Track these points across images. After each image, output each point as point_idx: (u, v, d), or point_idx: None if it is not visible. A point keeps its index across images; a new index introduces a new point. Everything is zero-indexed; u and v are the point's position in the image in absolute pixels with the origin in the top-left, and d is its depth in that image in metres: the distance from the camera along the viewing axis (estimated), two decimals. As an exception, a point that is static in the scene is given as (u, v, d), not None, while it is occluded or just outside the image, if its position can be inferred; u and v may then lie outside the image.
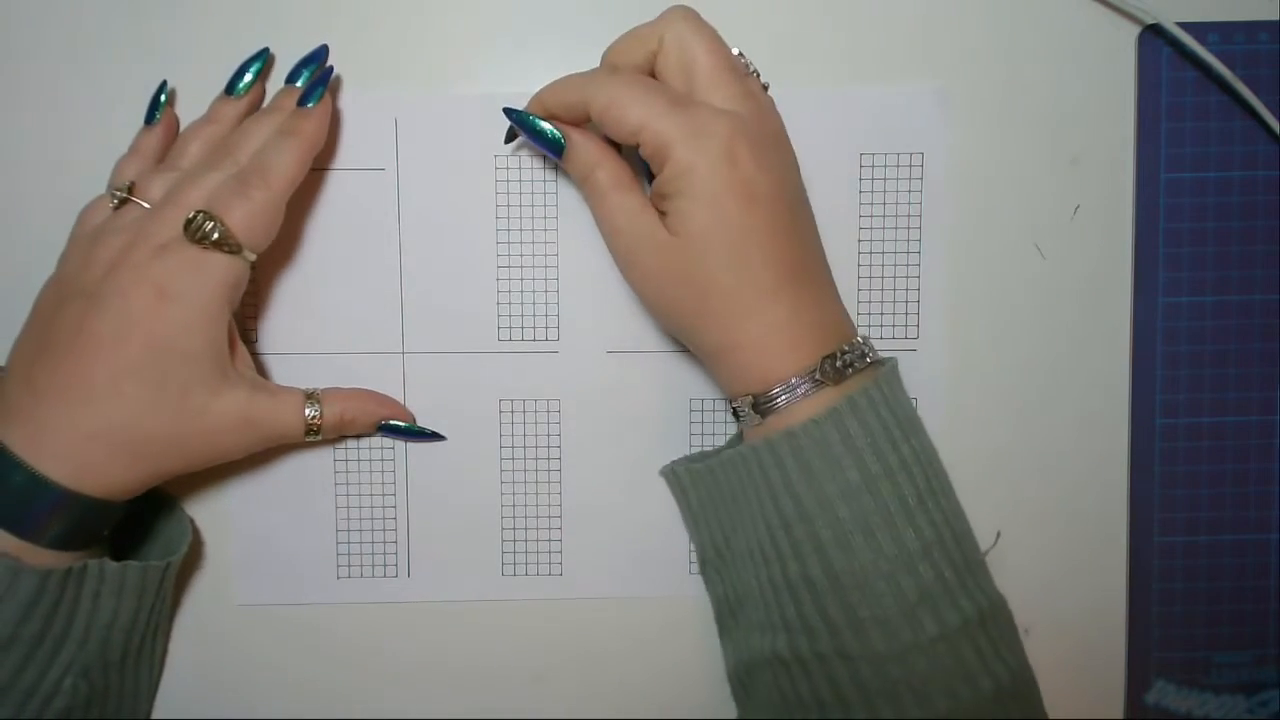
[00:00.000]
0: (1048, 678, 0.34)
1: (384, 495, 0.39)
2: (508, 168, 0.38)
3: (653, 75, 0.34)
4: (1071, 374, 0.39)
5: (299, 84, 0.36)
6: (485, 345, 0.39)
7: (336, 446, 0.39)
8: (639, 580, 0.40)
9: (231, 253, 0.33)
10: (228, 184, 0.34)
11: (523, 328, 0.39)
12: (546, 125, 0.34)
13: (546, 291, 0.39)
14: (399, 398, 0.39)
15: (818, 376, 0.32)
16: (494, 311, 0.39)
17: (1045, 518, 0.40)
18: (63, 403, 0.32)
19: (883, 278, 0.39)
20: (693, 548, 0.39)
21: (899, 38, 0.38)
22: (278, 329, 0.39)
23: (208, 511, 0.39)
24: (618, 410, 0.39)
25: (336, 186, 0.38)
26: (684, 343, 0.36)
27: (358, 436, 0.39)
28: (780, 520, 0.32)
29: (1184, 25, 0.37)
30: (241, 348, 0.36)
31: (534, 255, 0.39)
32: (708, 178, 0.31)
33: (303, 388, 0.37)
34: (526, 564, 0.40)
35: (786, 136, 0.34)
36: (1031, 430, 0.39)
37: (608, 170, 0.34)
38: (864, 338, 0.33)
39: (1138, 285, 0.39)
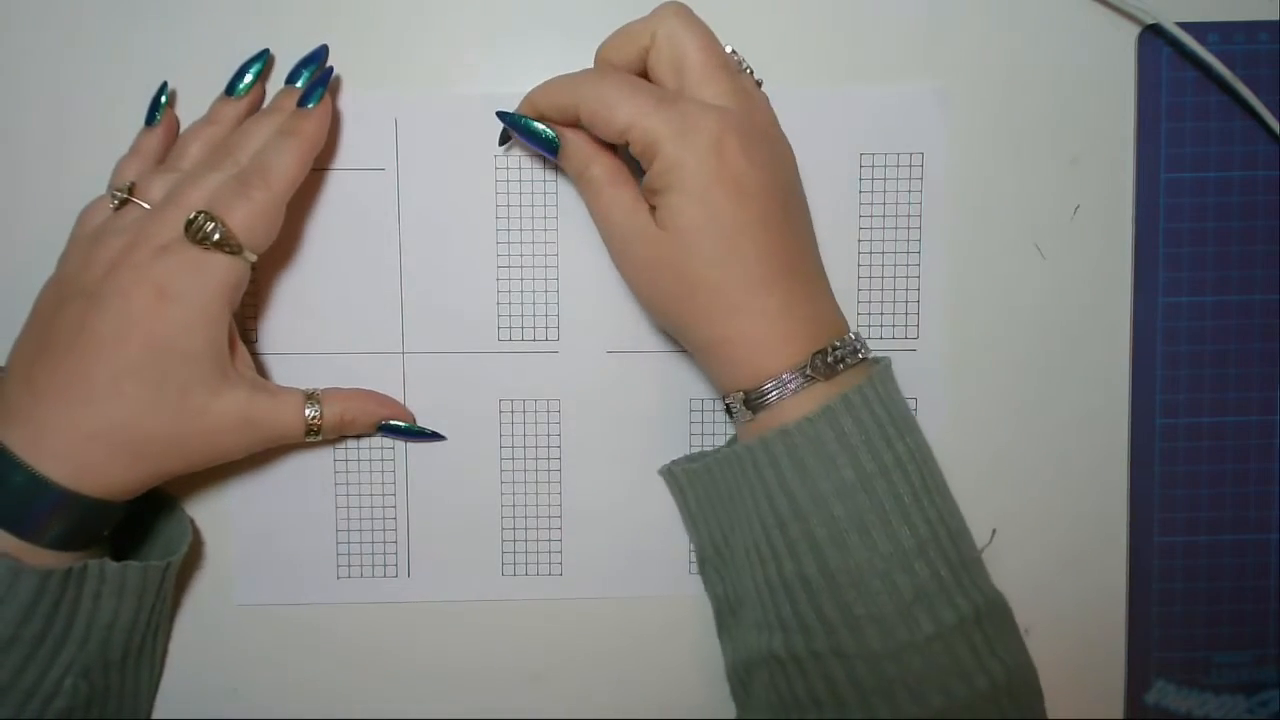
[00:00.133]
0: (1048, 678, 0.34)
1: (384, 495, 0.39)
2: (508, 168, 0.38)
3: (645, 71, 0.34)
4: (1071, 374, 0.39)
5: (299, 84, 0.36)
6: (485, 345, 0.39)
7: (336, 446, 0.39)
8: (638, 580, 0.40)
9: (232, 253, 0.33)
10: (228, 184, 0.34)
11: (523, 328, 0.39)
12: (540, 125, 0.35)
13: (546, 291, 0.39)
14: (399, 398, 0.39)
15: (809, 372, 0.32)
16: (494, 311, 0.39)
17: (1045, 518, 0.40)
18: (63, 403, 0.32)
19: (883, 278, 0.39)
20: (692, 547, 0.39)
21: (899, 38, 0.38)
22: (278, 329, 0.39)
23: (208, 511, 0.39)
24: (618, 410, 0.39)
25: (336, 186, 0.38)
26: (677, 338, 0.36)
27: (358, 436, 0.39)
28: (776, 519, 0.32)
29: (1184, 25, 0.37)
30: (241, 348, 0.36)
31: (534, 255, 0.39)
32: (696, 173, 0.31)
33: (303, 388, 0.37)
34: (526, 564, 0.40)
35: (780, 132, 0.35)
36: (1031, 430, 0.39)
37: (602, 166, 0.34)
38: (856, 334, 0.34)
39: (1138, 285, 0.39)
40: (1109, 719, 0.40)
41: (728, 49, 0.35)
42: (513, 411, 0.39)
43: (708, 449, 0.39)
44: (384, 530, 0.39)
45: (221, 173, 0.34)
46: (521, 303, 0.39)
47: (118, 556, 0.35)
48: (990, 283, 0.39)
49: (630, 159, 0.34)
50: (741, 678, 0.36)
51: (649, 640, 0.40)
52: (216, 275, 0.33)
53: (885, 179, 0.39)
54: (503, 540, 0.40)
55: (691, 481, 0.37)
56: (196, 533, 0.38)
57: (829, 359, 0.32)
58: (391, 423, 0.38)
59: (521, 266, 0.39)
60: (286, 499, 0.39)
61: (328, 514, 0.39)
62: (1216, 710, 0.40)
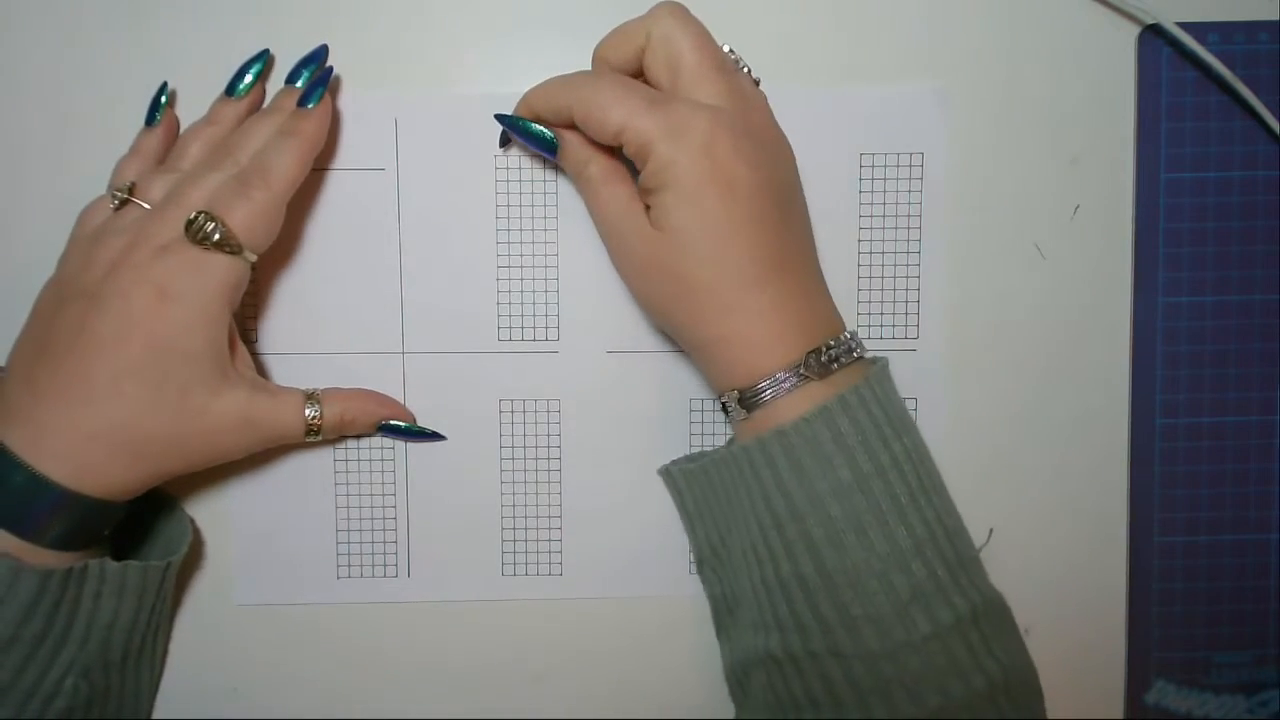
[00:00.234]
0: (1048, 678, 0.34)
1: (384, 495, 0.39)
2: (508, 168, 0.38)
3: (641, 71, 0.34)
4: (1071, 374, 0.39)
5: (299, 84, 0.36)
6: (485, 345, 0.39)
7: (336, 446, 0.39)
8: (638, 580, 0.40)
9: (232, 253, 0.33)
10: (228, 185, 0.34)
11: (523, 328, 0.39)
12: (538, 126, 0.35)
13: (546, 291, 0.39)
14: (399, 398, 0.39)
15: (803, 371, 0.32)
16: (494, 311, 0.39)
17: (1045, 518, 0.40)
18: (63, 403, 0.32)
19: (883, 278, 0.39)
20: (691, 547, 0.39)
21: (899, 38, 0.38)
22: (278, 329, 0.39)
23: (208, 511, 0.39)
24: (618, 410, 0.39)
25: (336, 186, 0.38)
26: (673, 337, 0.36)
27: (358, 436, 0.39)
28: (772, 519, 0.32)
29: (1184, 25, 0.37)
30: (241, 348, 0.36)
31: (534, 255, 0.39)
32: (687, 172, 0.31)
33: (303, 388, 0.37)
34: (526, 564, 0.40)
35: (776, 131, 0.35)
36: (1031, 430, 0.39)
37: (599, 164, 0.35)
38: (852, 333, 0.34)
39: (1138, 285, 0.39)
40: (1109, 719, 0.40)
41: (725, 48, 0.35)
42: (513, 411, 0.39)
43: (707, 449, 0.39)
44: (384, 530, 0.39)
45: (221, 173, 0.34)
46: (521, 303, 0.39)
47: (118, 556, 0.35)
48: (990, 283, 0.39)
49: (628, 159, 0.34)
50: (739, 678, 0.36)
51: (649, 640, 0.40)
52: (217, 275, 0.33)
53: (885, 179, 0.39)
54: (503, 540, 0.40)
55: (689, 482, 0.37)
56: (196, 533, 0.38)
57: (823, 358, 0.32)
58: (391, 423, 0.38)
59: (521, 266, 0.39)
60: (286, 499, 0.39)
61: (328, 514, 0.39)
62: (1216, 710, 0.40)
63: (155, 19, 0.38)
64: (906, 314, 0.39)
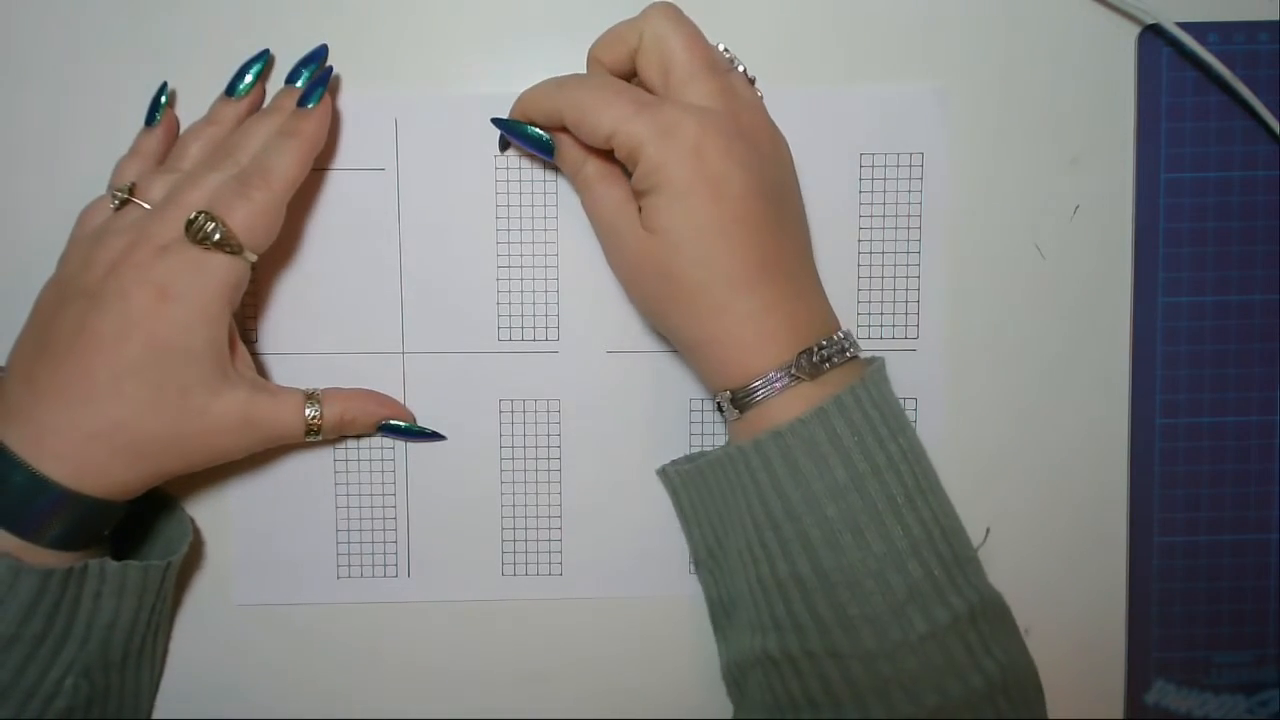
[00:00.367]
0: (1047, 678, 0.34)
1: (384, 495, 0.39)
2: (508, 168, 0.38)
3: (634, 71, 0.34)
4: (1071, 374, 0.39)
5: (299, 84, 0.36)
6: (485, 345, 0.39)
7: (336, 446, 0.39)
8: (638, 580, 0.40)
9: (233, 253, 0.33)
10: (229, 185, 0.34)
11: (523, 328, 0.39)
12: (534, 129, 0.35)
13: (546, 291, 0.39)
14: (399, 398, 0.39)
15: (794, 371, 0.32)
16: (494, 311, 0.39)
17: (1046, 518, 0.40)
18: (63, 402, 0.32)
19: (883, 278, 0.39)
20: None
21: (899, 38, 0.38)
22: (278, 329, 0.39)
23: (208, 511, 0.39)
24: (617, 410, 0.39)
25: (336, 186, 0.38)
26: (667, 337, 0.36)
27: (358, 436, 0.39)
28: (769, 520, 0.32)
29: (1184, 25, 0.37)
30: (241, 348, 0.36)
31: (534, 255, 0.39)
32: (676, 174, 0.32)
33: (303, 388, 0.37)
34: (526, 564, 0.40)
35: (770, 131, 0.35)
36: (1031, 430, 0.39)
37: (594, 165, 0.35)
38: (846, 333, 0.34)
39: (1138, 285, 0.39)
40: (1109, 719, 0.40)
41: (720, 46, 0.35)
42: (513, 411, 0.39)
43: (707, 449, 0.39)
44: (384, 530, 0.39)
45: (222, 173, 0.34)
46: (521, 303, 0.39)
47: (118, 556, 0.35)
48: (990, 283, 0.39)
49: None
50: (736, 678, 0.36)
51: (649, 640, 0.40)
52: (217, 275, 0.33)
53: (885, 179, 0.39)
54: (503, 540, 0.40)
55: (685, 483, 0.37)
56: (197, 533, 0.38)
57: (814, 358, 0.32)
58: (391, 423, 0.38)
59: (521, 266, 0.39)
60: (286, 499, 0.39)
61: (328, 514, 0.39)
62: (1216, 710, 0.40)
63: (155, 19, 0.38)
64: (906, 314, 0.39)
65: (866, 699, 0.31)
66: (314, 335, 0.39)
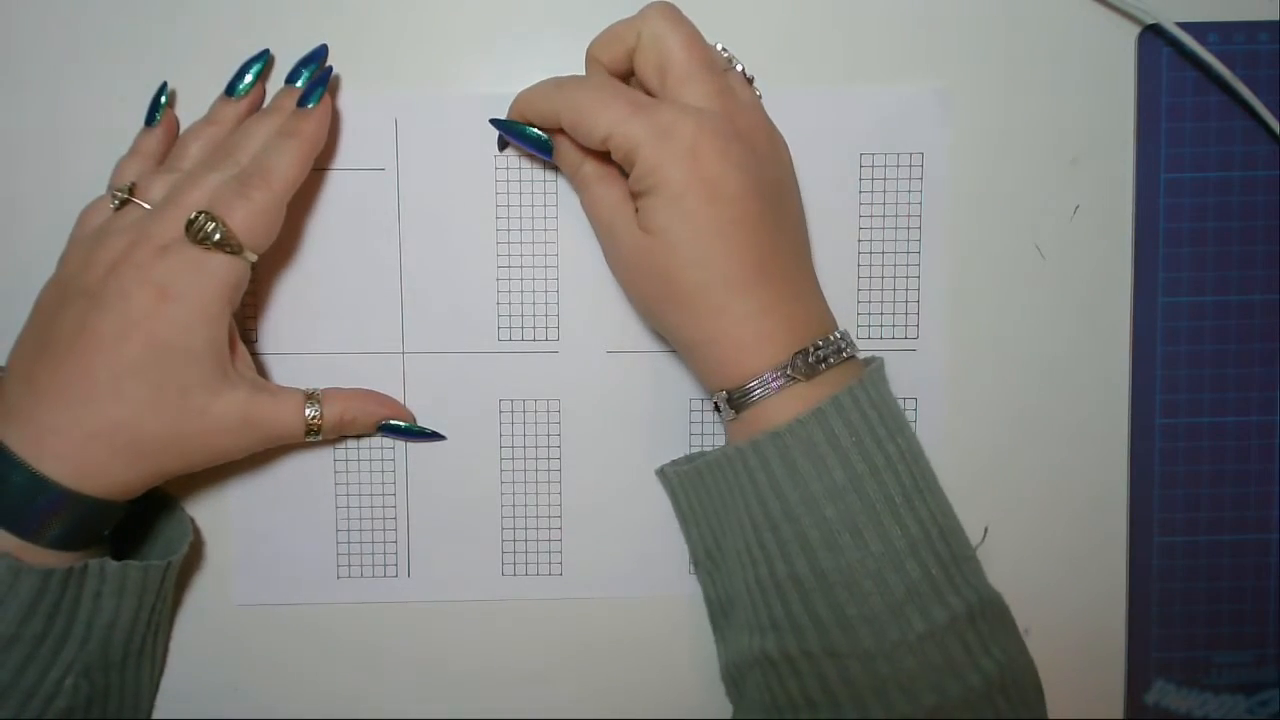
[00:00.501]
0: (1047, 678, 0.34)
1: (384, 495, 0.39)
2: (508, 167, 0.38)
3: (632, 70, 0.34)
4: (1071, 374, 0.39)
5: (299, 84, 0.36)
6: (485, 345, 0.39)
7: (336, 446, 0.39)
8: (638, 580, 0.40)
9: (233, 253, 0.33)
10: (229, 185, 0.34)
11: (523, 328, 0.39)
12: (532, 129, 0.35)
13: (546, 291, 0.39)
14: (399, 398, 0.39)
15: (789, 371, 0.32)
16: (494, 311, 0.39)
17: (1046, 518, 0.40)
18: (63, 402, 0.32)
19: (883, 278, 0.39)
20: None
21: (899, 38, 0.38)
22: (278, 329, 0.39)
23: (208, 511, 0.39)
24: (617, 410, 0.39)
25: (336, 186, 0.38)
26: (665, 337, 0.36)
27: (358, 436, 0.39)
28: (767, 520, 0.32)
29: (1184, 25, 0.37)
30: (241, 348, 0.36)
31: (534, 255, 0.39)
32: (672, 176, 0.32)
33: (303, 388, 0.37)
34: (526, 564, 0.40)
35: (768, 131, 0.35)
36: (1031, 430, 0.39)
37: (593, 165, 0.35)
38: (842, 333, 0.34)
39: (1138, 285, 0.39)
40: (1109, 719, 0.40)
41: (717, 45, 0.35)
42: (513, 411, 0.39)
43: (706, 449, 0.39)
44: (384, 530, 0.39)
45: (222, 173, 0.34)
46: (521, 303, 0.39)
47: (118, 556, 0.35)
48: (990, 283, 0.39)
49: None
50: (735, 678, 0.36)
51: (649, 640, 0.40)
52: (217, 275, 0.33)
53: (885, 179, 0.39)
54: (503, 540, 0.40)
55: (683, 483, 0.37)
56: (197, 533, 0.38)
57: (810, 358, 0.32)
58: (391, 423, 0.38)
59: (521, 266, 0.39)
60: (286, 499, 0.39)
61: (328, 514, 0.39)
62: (1216, 710, 0.40)
63: (155, 19, 0.38)
64: (906, 314, 0.39)
65: (865, 699, 0.31)
66: (314, 335, 0.39)
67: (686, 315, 0.33)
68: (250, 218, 0.33)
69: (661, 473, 0.38)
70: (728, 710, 0.38)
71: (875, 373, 0.34)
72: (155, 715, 0.39)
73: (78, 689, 0.34)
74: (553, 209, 0.39)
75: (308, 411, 0.36)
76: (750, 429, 0.33)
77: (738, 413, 0.33)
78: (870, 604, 0.31)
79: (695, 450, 0.39)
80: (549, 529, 0.40)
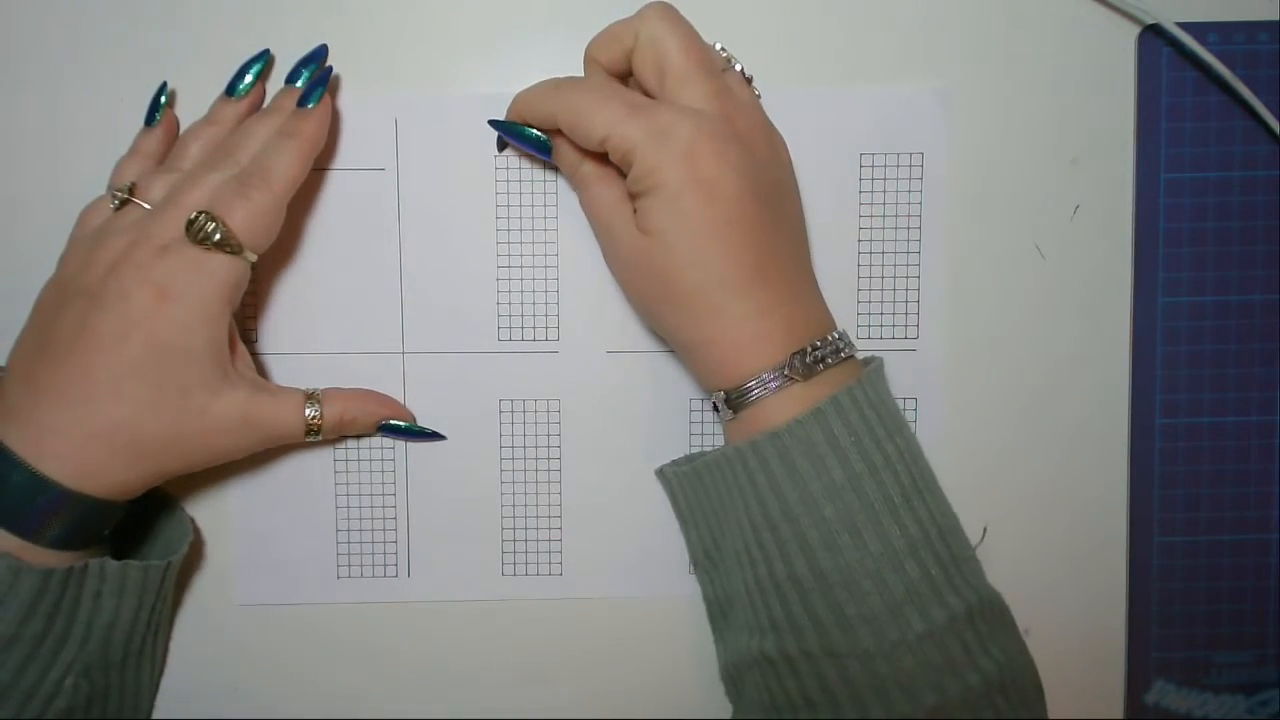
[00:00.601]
0: (1047, 678, 0.34)
1: (384, 495, 0.39)
2: (508, 167, 0.38)
3: (630, 71, 0.34)
4: (1071, 374, 0.39)
5: (299, 84, 0.36)
6: (485, 345, 0.39)
7: (336, 446, 0.39)
8: (638, 580, 0.40)
9: (233, 253, 0.33)
10: (229, 185, 0.34)
11: (523, 328, 0.39)
12: (531, 129, 0.36)
13: (546, 291, 0.39)
14: (399, 398, 0.39)
15: (787, 372, 0.32)
16: (494, 311, 0.39)
17: (1046, 518, 0.40)
18: (63, 402, 0.32)
19: (883, 278, 0.39)
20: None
21: (899, 38, 0.38)
22: (278, 329, 0.39)
23: (208, 511, 0.39)
24: (617, 410, 0.39)
25: (336, 186, 0.38)
26: (663, 337, 0.36)
27: (358, 436, 0.39)
28: (766, 520, 0.32)
29: (1184, 25, 0.37)
30: (241, 348, 0.36)
31: (534, 255, 0.39)
32: (669, 178, 0.32)
33: (303, 388, 0.37)
34: (526, 564, 0.40)
35: (766, 132, 0.35)
36: (1031, 430, 0.39)
37: (591, 165, 0.35)
38: (841, 333, 0.34)
39: (1138, 285, 0.39)
40: (1109, 719, 0.40)
41: (716, 45, 0.35)
42: (513, 411, 0.39)
43: (706, 449, 0.39)
44: (384, 530, 0.39)
45: (221, 173, 0.34)
46: (521, 303, 0.39)
47: (118, 556, 0.35)
48: (990, 283, 0.39)
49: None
50: (734, 678, 0.36)
51: (649, 640, 0.40)
52: (217, 275, 0.33)
53: (885, 179, 0.39)
54: (503, 540, 0.40)
55: (682, 484, 0.37)
56: (197, 533, 0.38)
57: (808, 359, 0.32)
58: (391, 423, 0.38)
59: (521, 266, 0.39)
60: (286, 499, 0.39)
61: (328, 514, 0.39)
62: (1216, 710, 0.40)
63: (155, 19, 0.38)
64: (906, 314, 0.39)
65: (864, 699, 0.31)
66: (314, 335, 0.39)
67: (684, 316, 0.33)
68: (250, 218, 0.33)
69: (661, 473, 0.38)
70: (728, 710, 0.38)
71: (874, 373, 0.34)
72: (155, 715, 0.39)
73: (78, 689, 0.34)
74: (553, 209, 0.39)
75: (308, 411, 0.36)
76: (749, 429, 0.33)
77: (736, 413, 0.33)
78: (869, 604, 0.31)
79: (695, 450, 0.39)
80: (549, 529, 0.40)
